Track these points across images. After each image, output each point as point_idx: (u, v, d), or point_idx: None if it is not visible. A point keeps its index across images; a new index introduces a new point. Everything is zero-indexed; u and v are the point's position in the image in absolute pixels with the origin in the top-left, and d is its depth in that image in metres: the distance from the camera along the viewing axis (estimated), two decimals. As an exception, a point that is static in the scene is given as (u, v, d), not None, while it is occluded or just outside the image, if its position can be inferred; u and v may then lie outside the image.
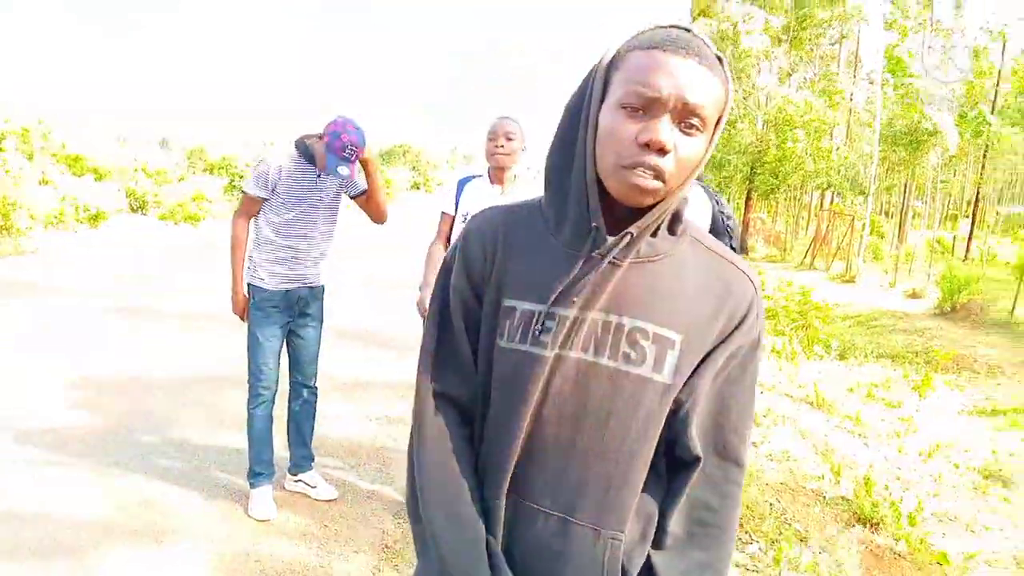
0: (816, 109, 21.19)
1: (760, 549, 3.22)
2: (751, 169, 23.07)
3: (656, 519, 1.06)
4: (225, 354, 5.63)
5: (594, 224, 0.97)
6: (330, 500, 3.56)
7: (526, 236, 1.06)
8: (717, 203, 3.26)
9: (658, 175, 0.90)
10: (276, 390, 3.42)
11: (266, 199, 3.24)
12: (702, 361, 1.01)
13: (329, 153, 3.10)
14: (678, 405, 1.02)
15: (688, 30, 0.93)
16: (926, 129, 20.17)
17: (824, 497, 3.91)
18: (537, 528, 1.03)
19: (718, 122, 0.94)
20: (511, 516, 1.05)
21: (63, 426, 4.28)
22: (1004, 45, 25.55)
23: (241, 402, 3.50)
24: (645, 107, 0.89)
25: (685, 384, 1.01)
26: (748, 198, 25.02)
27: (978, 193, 26.83)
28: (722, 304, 1.01)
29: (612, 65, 0.96)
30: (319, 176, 3.27)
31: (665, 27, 0.94)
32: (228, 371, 5.19)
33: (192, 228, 19.01)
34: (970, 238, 23.95)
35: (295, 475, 3.63)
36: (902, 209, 25.97)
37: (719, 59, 0.94)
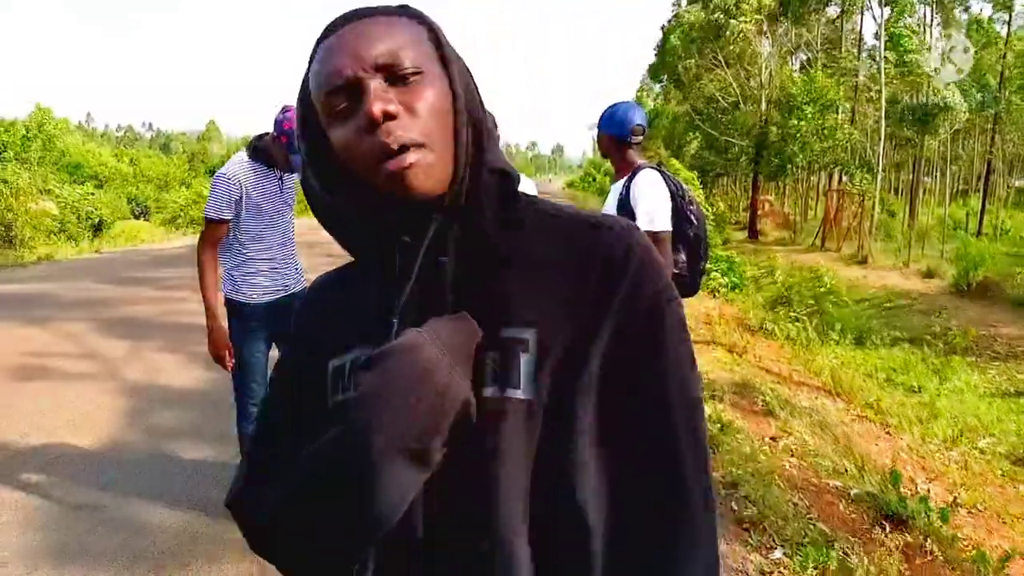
0: (821, 83, 20.89)
1: (785, 554, 3.06)
2: (756, 151, 22.82)
3: None
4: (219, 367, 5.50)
5: (403, 236, 0.77)
6: (332, 515, 3.42)
7: (348, 286, 0.89)
8: (678, 188, 3.10)
9: (411, 144, 0.72)
10: None
11: (231, 219, 3.03)
12: (582, 357, 0.73)
13: (293, 153, 2.97)
14: (559, 432, 0.73)
15: (351, 11, 0.78)
16: (935, 104, 19.85)
17: (848, 494, 3.74)
18: None
19: (443, 57, 0.77)
20: None
21: (55, 444, 4.16)
22: (1010, 15, 25.14)
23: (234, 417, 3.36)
24: (347, 98, 0.74)
25: (565, 397, 0.73)
26: (755, 181, 24.79)
27: (988, 166, 26.46)
28: (588, 266, 0.75)
29: (305, 97, 0.80)
30: (281, 179, 3.15)
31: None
32: (223, 385, 5.05)
33: (195, 234, 18.96)
34: (982, 213, 23.62)
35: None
36: (912, 186, 25.64)
37: (400, 6, 0.79)
